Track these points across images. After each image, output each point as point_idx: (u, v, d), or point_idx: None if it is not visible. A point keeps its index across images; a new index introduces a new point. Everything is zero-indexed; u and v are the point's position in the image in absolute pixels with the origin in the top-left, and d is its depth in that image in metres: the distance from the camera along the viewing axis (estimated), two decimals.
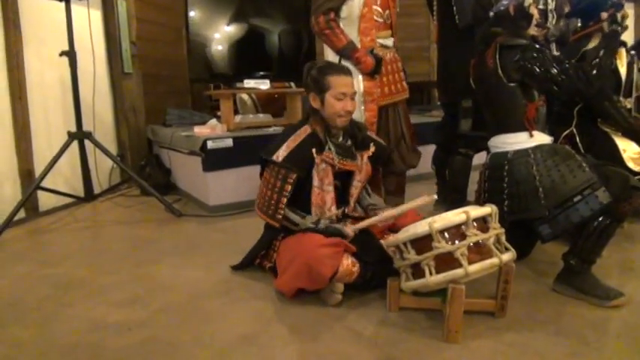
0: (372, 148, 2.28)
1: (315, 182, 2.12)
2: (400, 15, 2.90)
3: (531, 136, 2.11)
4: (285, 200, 2.07)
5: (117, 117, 4.33)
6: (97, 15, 4.02)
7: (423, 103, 6.02)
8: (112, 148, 4.20)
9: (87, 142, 3.47)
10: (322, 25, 2.55)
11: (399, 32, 2.94)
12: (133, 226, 3.19)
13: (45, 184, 3.18)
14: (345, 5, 2.59)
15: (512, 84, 2.11)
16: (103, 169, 3.97)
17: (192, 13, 3.66)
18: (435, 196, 2.07)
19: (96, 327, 1.84)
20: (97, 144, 3.44)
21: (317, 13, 2.56)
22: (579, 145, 2.49)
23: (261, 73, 3.87)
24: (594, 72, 1.97)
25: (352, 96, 2.11)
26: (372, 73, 2.62)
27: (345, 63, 2.53)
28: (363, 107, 2.62)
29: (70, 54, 3.27)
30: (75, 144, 3.40)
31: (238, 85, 3.79)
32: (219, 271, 2.36)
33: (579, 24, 2.62)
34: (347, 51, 2.58)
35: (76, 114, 3.36)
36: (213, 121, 3.90)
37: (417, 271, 1.73)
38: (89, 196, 3.64)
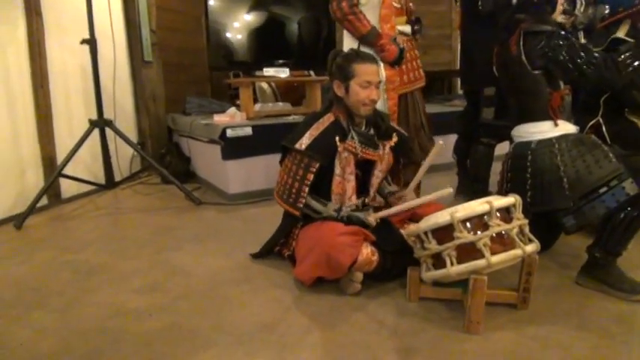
0: (395, 138, 2.24)
1: (337, 171, 2.10)
2: (422, 3, 2.86)
3: (556, 125, 2.06)
4: (306, 189, 2.06)
5: (137, 105, 4.37)
6: (117, 3, 4.04)
7: (444, 93, 5.95)
8: (133, 137, 4.23)
9: (108, 130, 3.49)
10: (346, 10, 2.50)
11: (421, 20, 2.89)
12: (153, 213, 3.21)
13: (66, 171, 3.21)
14: None
15: (536, 71, 2.06)
16: (124, 156, 4.00)
17: (211, 2, 3.65)
18: (451, 189, 2.03)
19: (117, 312, 1.86)
20: (117, 132, 3.46)
21: None
22: (606, 135, 2.42)
23: (281, 61, 3.85)
24: (627, 62, 1.90)
25: (377, 85, 2.07)
26: (393, 63, 2.58)
27: (366, 50, 2.49)
28: (385, 96, 2.58)
29: (91, 42, 3.29)
30: (96, 132, 3.42)
31: (258, 73, 3.77)
32: (238, 258, 2.36)
33: (607, 10, 2.55)
34: (371, 37, 2.53)
35: (97, 102, 3.38)
36: (233, 109, 3.90)
37: (438, 261, 1.71)
38: (110, 183, 3.68)
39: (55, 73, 3.35)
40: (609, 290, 1.91)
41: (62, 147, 3.36)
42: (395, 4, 2.60)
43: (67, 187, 3.48)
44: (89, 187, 3.63)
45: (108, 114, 3.53)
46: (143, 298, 1.98)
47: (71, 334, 1.72)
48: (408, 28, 2.71)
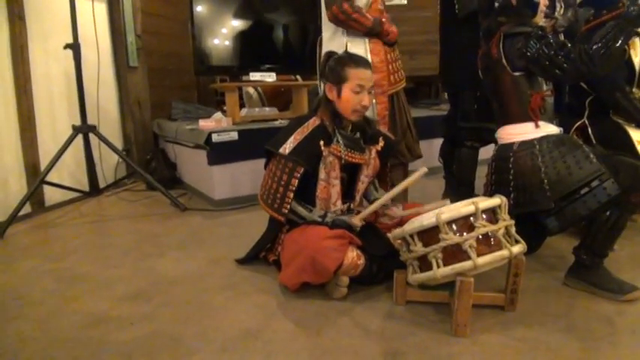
0: (381, 143, 2.22)
1: (322, 175, 2.07)
2: (409, 8, 2.86)
3: (537, 126, 2.06)
4: (291, 195, 2.03)
5: (122, 111, 4.32)
6: (101, 8, 4.00)
7: (431, 97, 5.96)
8: (118, 143, 4.19)
9: (92, 137, 3.45)
10: (349, 10, 2.46)
11: (408, 25, 2.89)
12: (138, 220, 3.17)
13: (50, 178, 3.16)
14: None
15: (516, 73, 2.06)
16: (109, 163, 3.95)
17: (197, 7, 3.62)
18: (426, 169, 2.06)
19: (99, 321, 1.82)
20: (101, 138, 3.42)
21: (339, 2, 2.49)
22: (591, 137, 2.43)
23: (267, 66, 3.83)
24: (601, 52, 1.87)
25: (369, 90, 2.05)
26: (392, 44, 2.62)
27: (372, 42, 2.51)
28: (374, 100, 2.56)
29: (74, 46, 3.25)
30: (80, 138, 3.38)
31: (244, 78, 3.75)
32: (223, 265, 2.33)
33: (592, 13, 2.55)
34: (377, 27, 2.53)
35: (80, 107, 3.34)
36: (219, 114, 3.88)
37: (424, 263, 1.69)
38: (94, 190, 3.63)
39: (38, 78, 3.31)
40: (597, 291, 1.90)
41: (46, 154, 3.31)
42: (379, 7, 2.60)
43: (51, 195, 3.43)
44: (73, 195, 3.58)
45: (92, 120, 3.49)
46: (125, 306, 1.94)
47: (51, 343, 1.68)
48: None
